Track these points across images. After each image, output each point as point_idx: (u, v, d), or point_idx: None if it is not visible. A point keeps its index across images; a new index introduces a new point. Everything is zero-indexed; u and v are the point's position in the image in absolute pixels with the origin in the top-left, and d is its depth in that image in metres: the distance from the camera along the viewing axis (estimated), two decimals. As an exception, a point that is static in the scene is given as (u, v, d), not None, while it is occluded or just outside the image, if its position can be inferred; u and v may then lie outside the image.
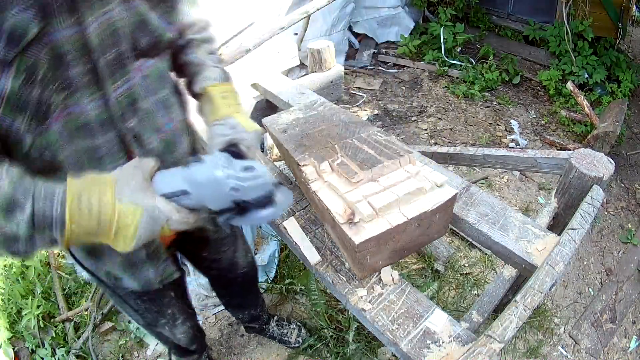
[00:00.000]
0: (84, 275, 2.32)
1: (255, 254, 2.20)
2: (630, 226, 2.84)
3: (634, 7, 4.38)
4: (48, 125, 0.72)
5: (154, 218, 0.71)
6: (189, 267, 1.89)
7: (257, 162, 0.82)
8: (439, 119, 3.81)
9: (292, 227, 1.26)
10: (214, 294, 2.04)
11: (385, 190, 1.03)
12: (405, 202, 1.02)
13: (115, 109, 0.79)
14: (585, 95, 3.69)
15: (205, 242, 1.27)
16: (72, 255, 1.01)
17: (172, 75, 0.99)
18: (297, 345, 1.97)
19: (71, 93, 0.72)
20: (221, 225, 1.15)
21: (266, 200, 0.81)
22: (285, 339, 1.98)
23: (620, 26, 4.07)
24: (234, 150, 0.88)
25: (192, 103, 1.05)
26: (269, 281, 2.20)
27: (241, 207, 0.79)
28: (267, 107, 2.09)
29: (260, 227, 2.34)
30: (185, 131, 1.00)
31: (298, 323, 2.03)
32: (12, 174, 0.66)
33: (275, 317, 2.02)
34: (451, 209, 1.12)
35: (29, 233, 0.65)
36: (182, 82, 1.05)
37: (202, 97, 0.99)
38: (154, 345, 2.05)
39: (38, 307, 2.15)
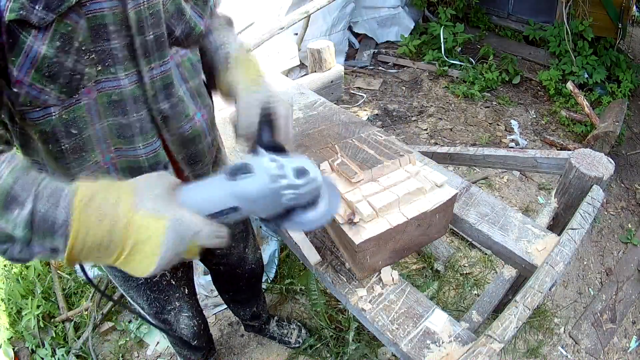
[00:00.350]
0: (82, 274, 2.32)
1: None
2: (630, 226, 2.84)
3: (634, 7, 4.38)
4: (78, 98, 0.71)
5: (179, 233, 0.62)
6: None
7: (306, 159, 0.76)
8: (439, 119, 3.81)
9: (292, 227, 1.26)
10: (214, 294, 2.04)
11: (385, 190, 1.03)
12: (405, 202, 1.02)
13: (149, 89, 0.78)
14: (585, 95, 3.69)
15: None
16: None
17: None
18: (297, 345, 1.97)
19: (106, 67, 0.71)
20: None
21: (312, 201, 0.75)
22: (286, 339, 1.98)
23: (620, 26, 4.07)
24: (273, 143, 0.83)
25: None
26: (269, 281, 2.20)
27: (288, 210, 0.74)
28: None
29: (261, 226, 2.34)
30: (212, 125, 0.99)
31: (298, 323, 2.03)
32: (15, 164, 0.58)
33: (276, 317, 2.02)
34: (451, 209, 1.12)
35: (26, 236, 0.56)
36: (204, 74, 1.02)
37: (226, 67, 0.96)
38: (154, 346, 2.05)
39: (38, 307, 2.14)
